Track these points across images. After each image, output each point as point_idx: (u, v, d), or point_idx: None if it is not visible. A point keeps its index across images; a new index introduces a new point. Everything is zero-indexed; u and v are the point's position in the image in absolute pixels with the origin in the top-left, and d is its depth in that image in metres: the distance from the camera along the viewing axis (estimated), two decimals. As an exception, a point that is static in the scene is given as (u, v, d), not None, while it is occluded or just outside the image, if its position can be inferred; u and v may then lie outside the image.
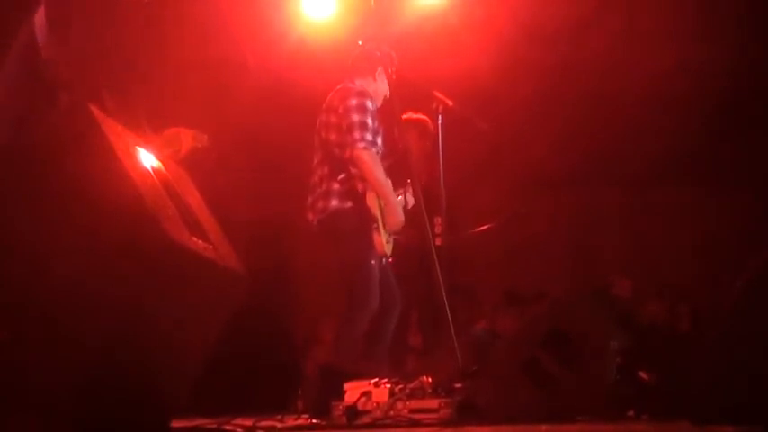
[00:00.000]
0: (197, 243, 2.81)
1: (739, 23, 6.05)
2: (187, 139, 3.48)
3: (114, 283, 2.46)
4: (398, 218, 4.37)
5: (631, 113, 6.83)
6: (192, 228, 2.86)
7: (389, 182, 4.38)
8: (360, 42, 4.64)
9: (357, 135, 4.23)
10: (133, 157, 2.80)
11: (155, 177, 2.85)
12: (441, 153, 4.66)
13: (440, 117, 4.69)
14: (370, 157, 4.23)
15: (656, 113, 6.83)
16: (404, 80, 4.57)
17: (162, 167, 3.00)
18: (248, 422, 3.60)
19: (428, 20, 5.80)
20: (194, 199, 3.15)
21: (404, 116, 4.80)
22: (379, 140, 4.38)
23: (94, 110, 2.71)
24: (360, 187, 4.30)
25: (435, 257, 4.12)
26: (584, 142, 7.05)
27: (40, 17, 2.96)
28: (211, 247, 2.94)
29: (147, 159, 2.91)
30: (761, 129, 6.80)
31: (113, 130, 2.74)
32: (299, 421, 3.98)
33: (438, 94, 4.69)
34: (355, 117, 4.27)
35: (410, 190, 4.77)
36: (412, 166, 4.49)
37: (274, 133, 6.57)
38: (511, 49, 6.10)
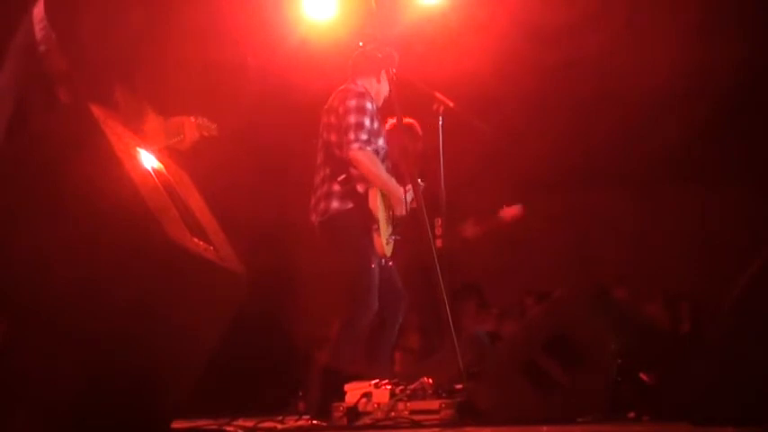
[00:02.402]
0: (198, 244, 2.81)
1: (740, 23, 6.05)
2: (191, 128, 3.45)
3: (115, 285, 2.46)
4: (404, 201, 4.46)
5: (631, 113, 6.83)
6: (193, 229, 2.86)
7: (392, 177, 4.40)
8: (360, 44, 4.64)
9: (352, 136, 4.26)
10: (134, 158, 2.79)
11: (156, 179, 2.84)
12: (441, 154, 4.67)
13: (441, 118, 4.69)
14: (364, 156, 4.25)
15: (657, 113, 6.83)
16: (405, 81, 4.57)
17: (163, 169, 3.00)
18: (249, 423, 3.61)
19: (429, 21, 5.81)
20: (195, 200, 3.15)
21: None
22: (381, 141, 4.39)
23: (95, 110, 2.71)
24: (361, 188, 4.31)
25: (436, 258, 4.12)
26: (585, 142, 7.05)
27: (38, 10, 2.93)
28: (212, 248, 2.93)
29: (148, 160, 2.91)
30: (761, 129, 6.80)
31: (114, 131, 2.74)
32: (300, 422, 3.99)
33: (439, 95, 4.69)
34: (352, 118, 4.29)
35: (410, 188, 4.78)
36: (411, 167, 4.49)
37: (276, 134, 6.57)
38: (511, 50, 6.10)
